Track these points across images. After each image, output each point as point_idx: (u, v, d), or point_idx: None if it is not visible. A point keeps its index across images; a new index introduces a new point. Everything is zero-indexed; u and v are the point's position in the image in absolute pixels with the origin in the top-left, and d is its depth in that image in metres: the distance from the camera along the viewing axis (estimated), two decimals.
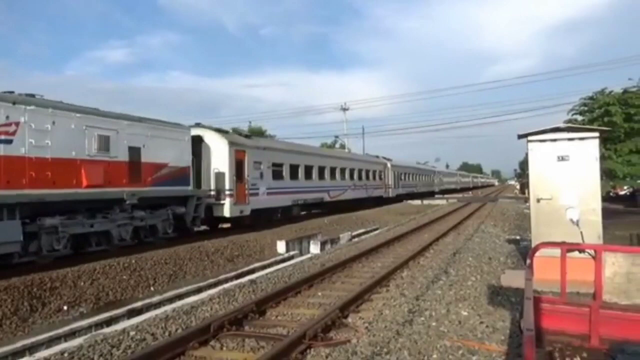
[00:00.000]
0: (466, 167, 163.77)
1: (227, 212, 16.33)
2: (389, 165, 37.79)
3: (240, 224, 17.75)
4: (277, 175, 20.15)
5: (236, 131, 18.27)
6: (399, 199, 38.95)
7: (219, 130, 17.43)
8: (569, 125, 8.88)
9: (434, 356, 4.97)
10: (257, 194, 18.18)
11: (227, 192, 16.34)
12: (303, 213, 24.10)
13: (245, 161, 17.60)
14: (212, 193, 16.18)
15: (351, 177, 29.30)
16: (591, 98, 18.67)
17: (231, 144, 16.90)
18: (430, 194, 51.97)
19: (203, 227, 17.43)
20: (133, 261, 11.19)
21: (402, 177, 41.77)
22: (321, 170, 24.95)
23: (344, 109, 54.37)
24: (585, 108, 18.91)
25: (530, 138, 8.23)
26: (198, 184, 15.67)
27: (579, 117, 18.94)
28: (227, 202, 16.28)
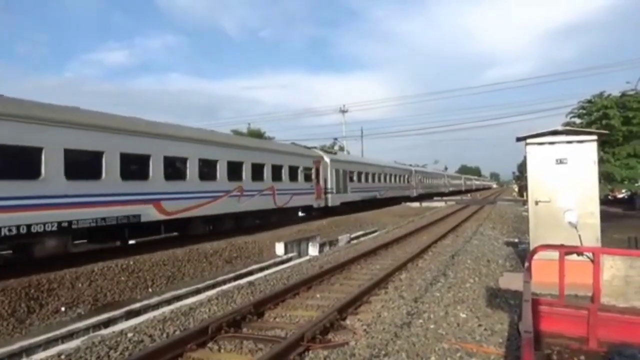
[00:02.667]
0: (465, 170, 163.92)
1: None
2: (327, 159, 25.92)
3: None
4: None
5: None
6: (349, 208, 28.29)
7: None
8: (568, 128, 8.89)
9: (432, 359, 4.96)
10: None
11: None
12: (77, 251, 12.35)
13: None
14: None
15: (233, 176, 16.91)
16: (589, 101, 18.70)
17: None
18: (406, 200, 41.48)
19: None
20: (131, 262, 11.16)
21: (354, 178, 30.26)
22: (136, 161, 13.02)
23: (343, 111, 54.54)
24: (584, 111, 18.92)
25: (528, 141, 8.25)
26: None
27: (577, 120, 18.94)
28: None
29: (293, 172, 21.90)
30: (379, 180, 36.15)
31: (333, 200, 26.31)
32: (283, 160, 21.06)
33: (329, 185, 25.93)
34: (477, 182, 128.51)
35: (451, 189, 75.29)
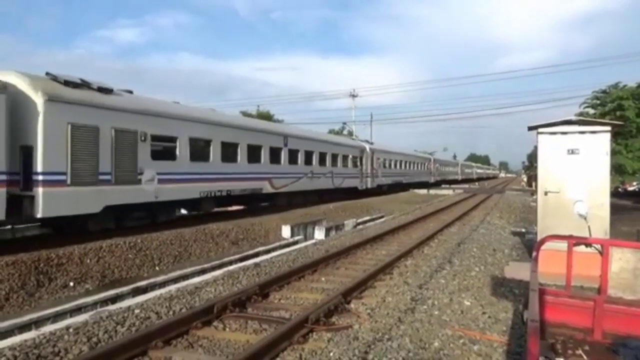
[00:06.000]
0: (474, 158, 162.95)
1: None
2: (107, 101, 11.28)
3: None
4: None
5: None
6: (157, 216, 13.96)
7: None
8: (581, 118, 8.75)
9: (435, 344, 4.99)
10: None
11: None
12: None
13: None
14: None
15: None
16: (604, 92, 18.42)
17: None
18: (355, 194, 27.47)
19: None
20: (139, 241, 11.27)
21: (237, 152, 16.77)
22: None
23: (353, 96, 54.15)
24: (598, 101, 18.67)
25: (540, 130, 8.14)
26: None
27: (591, 111, 18.71)
28: None
29: None
30: (277, 160, 19.72)
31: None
32: None
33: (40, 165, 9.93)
34: (480, 171, 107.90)
35: (441, 178, 56.09)
